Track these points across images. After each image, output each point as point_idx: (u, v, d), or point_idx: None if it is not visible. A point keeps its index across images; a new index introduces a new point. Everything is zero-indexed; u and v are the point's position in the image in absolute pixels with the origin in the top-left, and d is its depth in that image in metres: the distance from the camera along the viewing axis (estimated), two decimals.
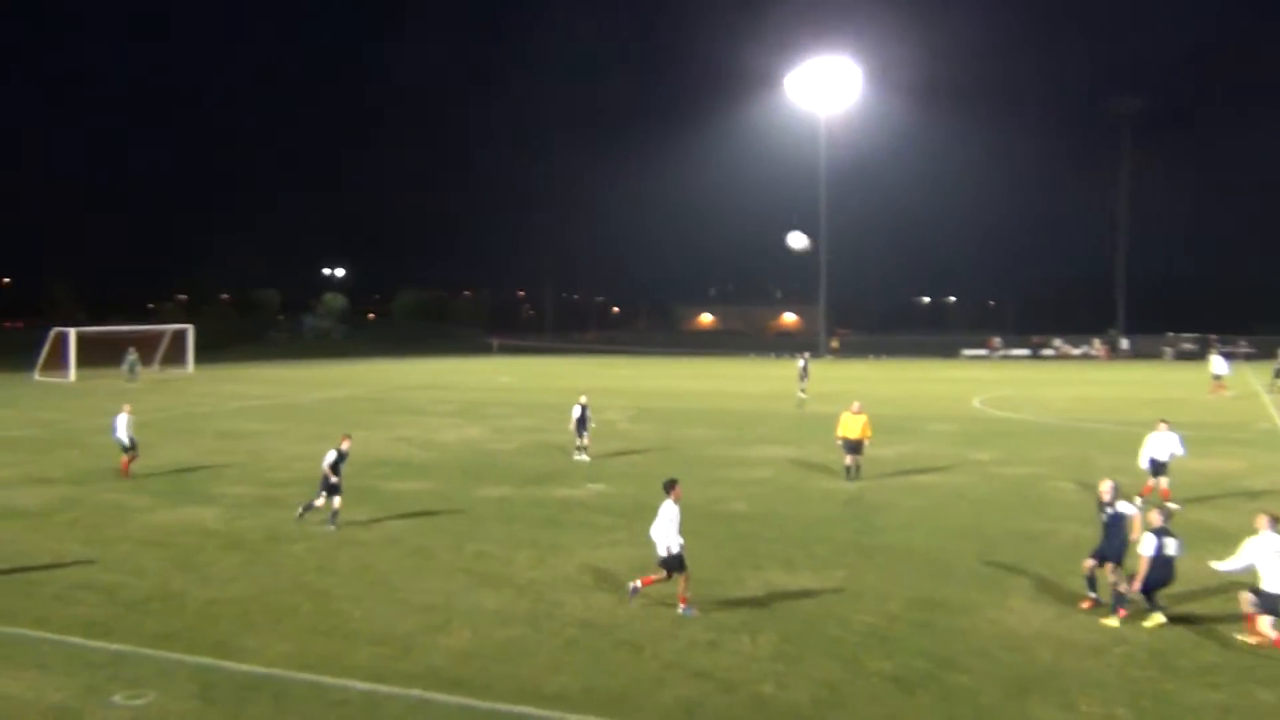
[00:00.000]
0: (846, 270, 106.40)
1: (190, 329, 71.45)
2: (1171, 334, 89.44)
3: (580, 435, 27.96)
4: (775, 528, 19.26)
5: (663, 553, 13.99)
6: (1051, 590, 14.87)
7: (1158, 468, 21.41)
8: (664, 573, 14.08)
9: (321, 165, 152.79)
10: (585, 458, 27.58)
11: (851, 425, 24.37)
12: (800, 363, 47.44)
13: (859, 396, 27.11)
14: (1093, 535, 16.98)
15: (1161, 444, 21.47)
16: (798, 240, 35.39)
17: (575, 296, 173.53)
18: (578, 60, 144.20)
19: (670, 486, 14.41)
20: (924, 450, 29.38)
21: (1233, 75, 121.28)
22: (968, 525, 19.44)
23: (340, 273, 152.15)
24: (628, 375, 66.64)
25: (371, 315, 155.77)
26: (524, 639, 12.96)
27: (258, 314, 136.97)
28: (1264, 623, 12.50)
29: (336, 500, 19.33)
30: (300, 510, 19.63)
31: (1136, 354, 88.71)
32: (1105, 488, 14.45)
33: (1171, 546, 13.24)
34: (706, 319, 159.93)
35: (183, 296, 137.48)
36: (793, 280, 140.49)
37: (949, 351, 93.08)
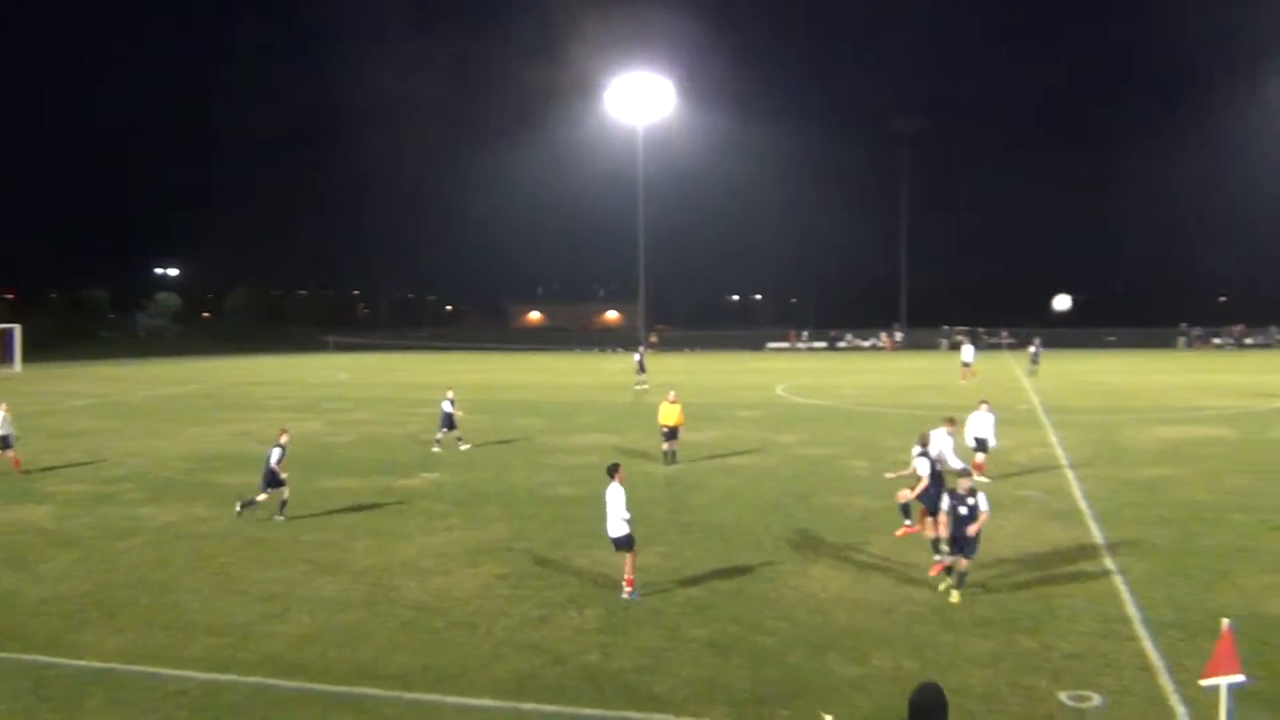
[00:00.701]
0: (663, 270, 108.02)
1: (17, 328, 66.79)
2: (946, 327, 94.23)
3: (447, 429, 27.58)
4: (600, 509, 19.23)
5: (614, 533, 13.74)
6: (847, 558, 15.45)
7: (981, 444, 22.13)
8: (627, 556, 13.78)
9: (152, 162, 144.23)
10: (466, 446, 27.31)
11: (669, 413, 24.77)
12: (637, 356, 48.65)
13: (676, 387, 27.54)
14: (880, 508, 17.80)
15: (981, 423, 22.20)
16: (1062, 302, 38.80)
17: (410, 295, 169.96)
18: (411, 65, 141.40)
19: (613, 471, 14.14)
20: (734, 435, 30.06)
21: (997, 98, 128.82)
22: (773, 501, 19.97)
23: (173, 272, 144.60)
24: (461, 370, 65.77)
25: (207, 314, 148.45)
26: (362, 623, 12.65)
27: (88, 313, 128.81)
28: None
29: (285, 491, 18.63)
30: (240, 507, 18.69)
31: (916, 345, 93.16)
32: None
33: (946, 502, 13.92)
34: (535, 316, 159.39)
35: (9, 295, 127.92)
36: (614, 279, 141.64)
37: (756, 344, 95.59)
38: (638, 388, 45.35)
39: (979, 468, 21.48)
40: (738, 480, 22.48)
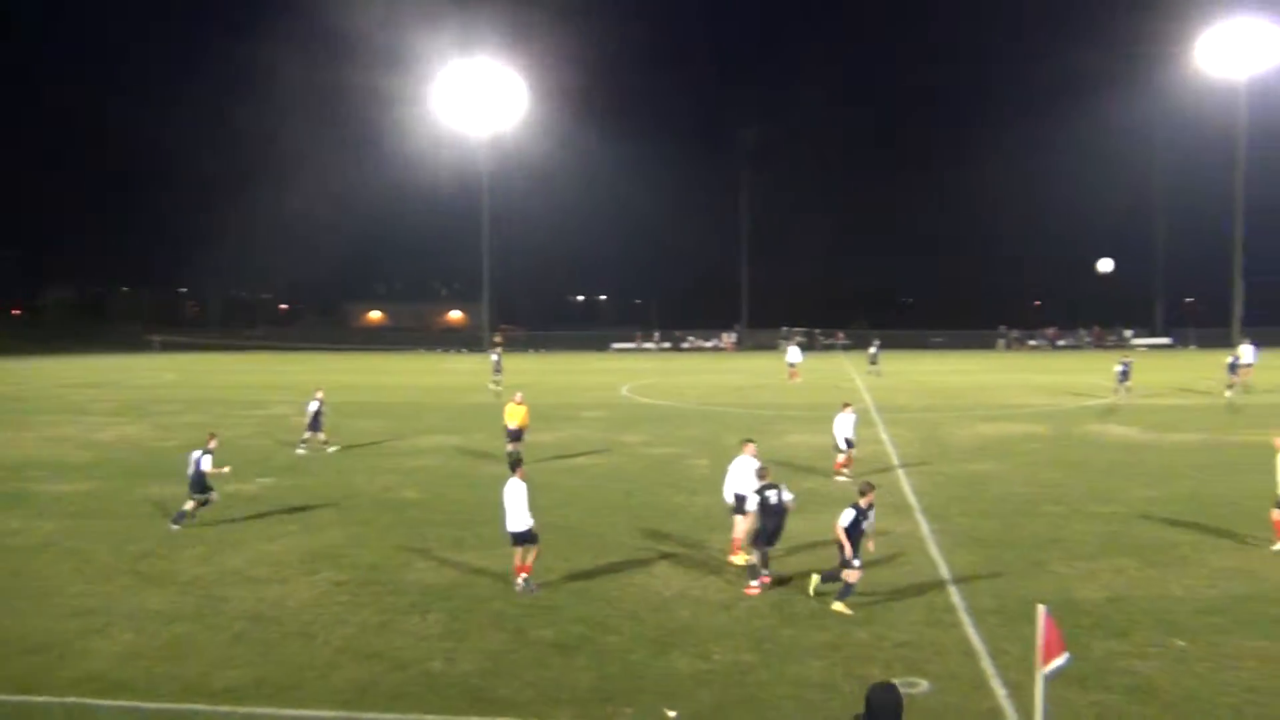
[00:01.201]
0: (508, 269, 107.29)
1: None
2: (785, 328, 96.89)
3: (315, 430, 26.97)
4: (444, 512, 19.10)
5: (516, 528, 13.62)
6: (689, 556, 15.71)
7: (849, 443, 22.76)
8: (521, 550, 13.73)
9: None
10: (332, 449, 26.83)
11: (514, 414, 24.69)
12: (494, 356, 48.69)
13: (522, 387, 27.44)
14: (722, 507, 18.05)
15: (845, 423, 22.85)
16: (1105, 265, 38.88)
17: (242, 294, 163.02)
18: (242, 60, 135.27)
19: (515, 466, 14.28)
20: (580, 435, 30.13)
21: (837, 106, 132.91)
22: (618, 501, 20.13)
23: None
24: (297, 371, 63.67)
25: (16, 312, 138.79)
26: (190, 636, 12.10)
27: None
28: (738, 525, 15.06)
29: (189, 504, 17.74)
30: (175, 521, 17.71)
31: (756, 345, 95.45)
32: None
33: (774, 496, 14.08)
34: (375, 315, 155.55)
35: None
36: (457, 279, 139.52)
37: (600, 345, 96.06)
38: (492, 387, 44.98)
39: (848, 463, 22.58)
40: (583, 480, 22.55)
